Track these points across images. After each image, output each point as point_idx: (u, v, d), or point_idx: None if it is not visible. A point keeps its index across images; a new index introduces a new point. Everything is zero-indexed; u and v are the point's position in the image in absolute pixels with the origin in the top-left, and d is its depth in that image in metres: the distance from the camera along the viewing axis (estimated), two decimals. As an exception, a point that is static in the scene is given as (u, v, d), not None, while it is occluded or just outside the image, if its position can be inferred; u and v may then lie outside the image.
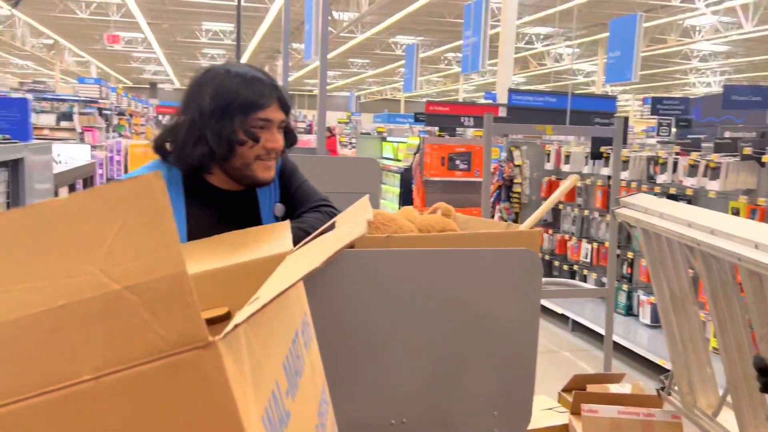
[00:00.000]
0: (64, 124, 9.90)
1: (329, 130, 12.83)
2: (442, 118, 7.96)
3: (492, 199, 6.41)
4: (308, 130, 15.62)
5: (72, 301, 0.46)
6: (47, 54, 24.32)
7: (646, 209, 1.44)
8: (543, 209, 1.39)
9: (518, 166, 6.53)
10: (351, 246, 0.81)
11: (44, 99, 10.29)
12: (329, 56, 3.57)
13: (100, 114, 10.65)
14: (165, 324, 0.46)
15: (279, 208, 1.46)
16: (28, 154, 2.91)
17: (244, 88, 1.30)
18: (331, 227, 0.91)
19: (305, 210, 1.44)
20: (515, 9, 10.61)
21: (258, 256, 0.96)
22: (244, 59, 19.89)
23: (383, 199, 8.23)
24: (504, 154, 6.88)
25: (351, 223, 0.76)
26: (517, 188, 6.55)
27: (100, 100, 11.02)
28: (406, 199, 7.68)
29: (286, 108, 1.38)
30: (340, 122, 19.19)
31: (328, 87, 3.68)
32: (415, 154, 7.48)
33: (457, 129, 8.60)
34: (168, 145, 1.37)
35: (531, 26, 18.90)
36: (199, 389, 0.47)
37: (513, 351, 1.24)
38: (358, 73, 31.02)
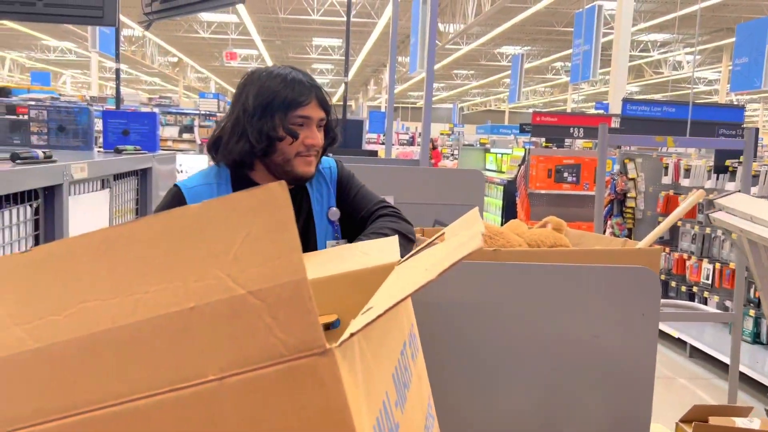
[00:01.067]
0: (185, 135, 10.64)
1: (431, 142, 12.82)
2: (550, 128, 7.73)
3: (603, 214, 6.14)
4: (410, 142, 15.74)
5: (201, 304, 0.49)
6: (172, 71, 26.30)
7: (751, 216, 1.30)
8: (664, 225, 1.31)
9: (632, 179, 6.21)
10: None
11: (169, 113, 11.11)
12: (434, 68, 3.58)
13: (218, 127, 11.32)
14: (285, 329, 0.48)
15: (334, 213, 1.50)
16: (155, 163, 3.15)
17: (284, 88, 1.37)
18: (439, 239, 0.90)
19: (367, 214, 1.48)
20: (630, 16, 10.15)
21: (366, 265, 0.97)
22: (351, 73, 20.42)
23: (485, 211, 8.12)
24: (617, 167, 6.56)
25: (463, 235, 0.75)
26: (630, 203, 6.22)
27: (218, 114, 11.75)
28: (508, 211, 7.52)
29: (325, 107, 1.43)
30: (442, 134, 19.20)
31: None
32: (520, 165, 7.32)
33: (565, 140, 8.32)
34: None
35: (646, 33, 17.98)
36: (315, 395, 0.48)
37: (628, 375, 1.17)
38: (462, 85, 30.91)
